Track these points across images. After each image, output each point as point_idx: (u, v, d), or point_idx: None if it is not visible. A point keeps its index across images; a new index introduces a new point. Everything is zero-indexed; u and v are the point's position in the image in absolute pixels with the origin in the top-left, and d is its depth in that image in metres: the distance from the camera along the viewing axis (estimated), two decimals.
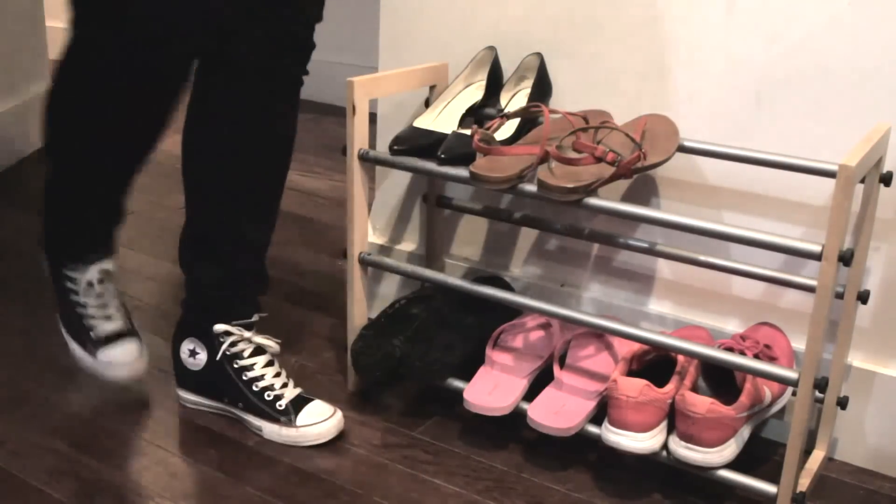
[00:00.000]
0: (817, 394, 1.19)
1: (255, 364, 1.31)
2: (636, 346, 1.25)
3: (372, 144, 1.33)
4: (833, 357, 1.20)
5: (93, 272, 1.34)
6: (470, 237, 1.54)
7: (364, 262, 1.35)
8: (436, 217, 1.49)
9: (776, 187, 1.26)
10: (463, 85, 1.38)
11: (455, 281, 1.31)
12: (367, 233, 1.36)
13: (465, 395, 1.26)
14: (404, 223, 1.59)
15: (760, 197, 1.27)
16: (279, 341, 1.35)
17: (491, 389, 1.27)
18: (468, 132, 1.23)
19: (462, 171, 1.19)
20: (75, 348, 1.36)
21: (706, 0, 1.25)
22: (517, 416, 1.24)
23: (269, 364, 1.32)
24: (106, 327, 1.34)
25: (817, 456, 1.25)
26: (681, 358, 1.23)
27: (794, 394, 1.18)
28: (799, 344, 1.26)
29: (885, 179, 1.14)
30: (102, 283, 1.34)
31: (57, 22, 3.35)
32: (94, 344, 1.34)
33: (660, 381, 1.19)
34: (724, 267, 1.27)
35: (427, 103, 1.42)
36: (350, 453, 1.27)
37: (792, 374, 1.07)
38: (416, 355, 1.30)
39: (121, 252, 1.89)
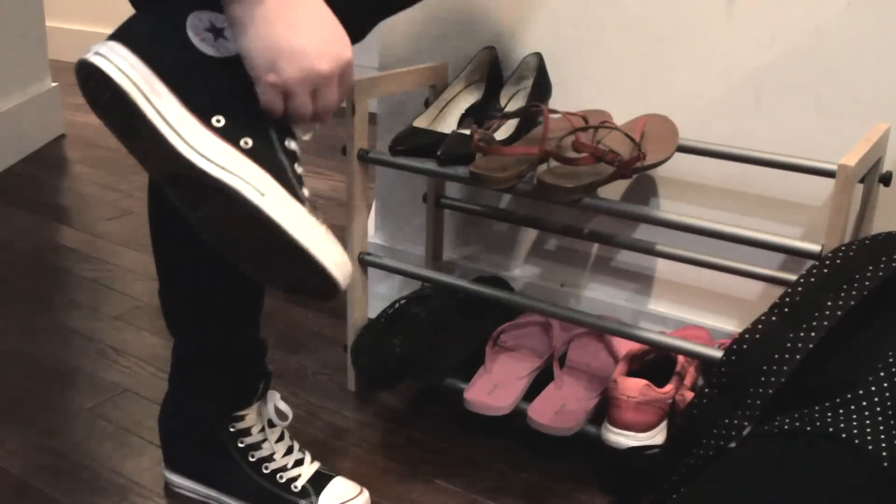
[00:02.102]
0: None
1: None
2: (636, 346, 1.25)
3: (372, 144, 1.33)
4: None
5: (270, 406, 1.14)
6: (470, 237, 1.54)
7: (364, 262, 1.35)
8: (436, 217, 1.49)
9: (776, 187, 1.26)
10: (463, 85, 1.38)
11: (455, 281, 1.31)
12: (367, 233, 1.36)
13: (465, 395, 1.26)
14: (404, 223, 1.59)
15: (760, 197, 1.27)
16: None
17: (491, 389, 1.27)
18: (468, 132, 1.22)
19: (462, 171, 1.19)
20: None
21: (706, 0, 1.25)
22: (517, 415, 1.24)
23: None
24: (305, 470, 1.13)
25: None
26: (681, 358, 1.24)
27: None
28: None
29: (885, 179, 1.14)
30: (280, 417, 1.15)
31: (57, 22, 3.36)
32: (301, 496, 1.11)
33: (660, 381, 1.19)
34: (723, 267, 1.27)
35: (427, 103, 1.42)
36: (350, 453, 1.27)
37: None
38: (416, 355, 1.30)
39: (121, 252, 1.89)
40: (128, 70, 0.83)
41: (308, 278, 0.89)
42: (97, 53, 0.83)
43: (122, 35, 0.85)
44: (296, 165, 0.90)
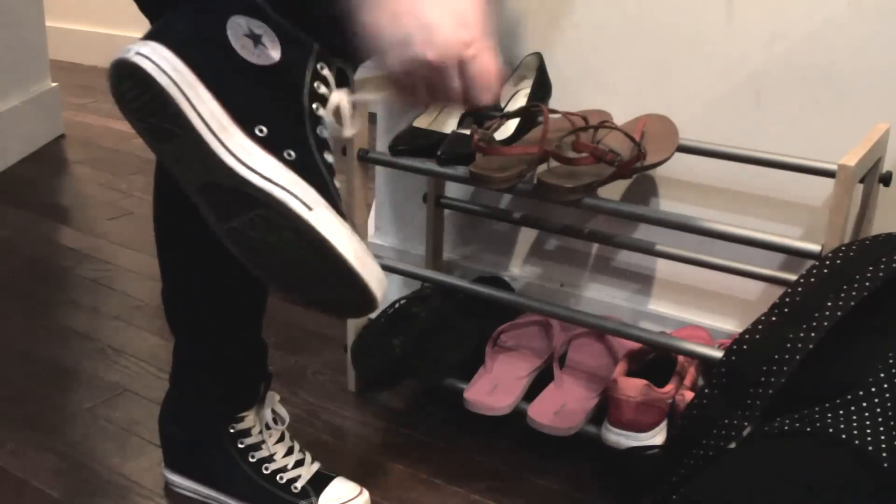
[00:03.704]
0: None
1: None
2: (636, 346, 1.25)
3: (372, 144, 1.32)
4: None
5: (267, 410, 1.14)
6: (470, 237, 1.54)
7: None
8: (436, 217, 1.49)
9: (776, 187, 1.26)
10: None
11: (455, 281, 1.31)
12: (367, 233, 1.36)
13: (465, 395, 1.26)
14: (404, 223, 1.59)
15: (760, 197, 1.27)
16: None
17: (491, 389, 1.27)
18: (468, 132, 1.22)
19: (462, 171, 1.19)
20: None
21: (706, 1, 1.25)
22: (517, 415, 1.24)
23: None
24: (305, 471, 1.13)
25: None
26: (681, 358, 1.23)
27: None
28: None
29: (885, 179, 1.14)
30: (275, 421, 1.15)
31: (57, 22, 3.35)
32: (301, 496, 1.11)
33: (660, 381, 1.19)
34: (724, 267, 1.27)
35: None
36: (350, 453, 1.27)
37: None
38: (416, 355, 1.30)
39: (121, 252, 1.89)
40: (172, 73, 0.79)
41: (346, 294, 0.86)
42: (139, 54, 0.79)
43: (163, 36, 0.81)
44: (334, 179, 0.87)
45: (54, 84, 2.58)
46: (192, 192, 0.86)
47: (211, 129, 0.81)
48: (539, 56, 1.35)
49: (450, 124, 1.32)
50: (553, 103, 1.38)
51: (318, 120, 0.85)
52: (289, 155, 0.83)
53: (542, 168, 1.15)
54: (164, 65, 0.79)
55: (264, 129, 0.82)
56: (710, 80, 1.27)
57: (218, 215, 0.85)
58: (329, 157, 0.87)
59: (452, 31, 0.79)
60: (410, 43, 0.78)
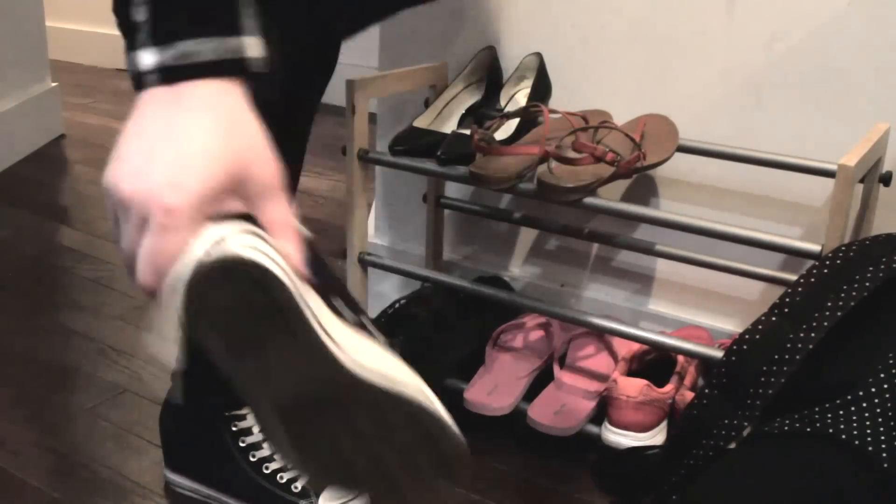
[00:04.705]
0: None
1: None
2: (636, 346, 1.25)
3: (372, 144, 1.32)
4: None
5: None
6: (470, 237, 1.54)
7: (364, 262, 1.35)
8: (436, 217, 1.49)
9: (776, 187, 1.26)
10: (463, 85, 1.38)
11: (455, 281, 1.31)
12: (367, 233, 1.36)
13: (465, 395, 1.26)
14: (404, 223, 1.59)
15: (760, 197, 1.27)
16: None
17: (491, 389, 1.27)
18: (468, 132, 1.22)
19: (462, 171, 1.19)
20: None
21: (706, 1, 1.25)
22: (517, 415, 1.24)
23: None
24: None
25: None
26: (681, 358, 1.23)
27: None
28: None
29: (885, 179, 1.14)
30: None
31: (57, 22, 3.36)
32: (301, 496, 1.10)
33: (660, 381, 1.19)
34: (724, 267, 1.27)
35: (427, 103, 1.42)
36: None
37: None
38: (416, 355, 1.30)
39: None
40: (285, 271, 0.63)
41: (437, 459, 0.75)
42: (253, 248, 0.63)
43: None
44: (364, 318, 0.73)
45: (54, 84, 2.58)
46: (284, 407, 0.67)
47: (323, 327, 0.65)
48: (539, 56, 1.35)
49: (450, 124, 1.32)
50: (553, 103, 1.38)
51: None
52: (388, 340, 0.70)
53: (542, 168, 1.15)
54: (273, 260, 0.63)
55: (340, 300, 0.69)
56: (710, 81, 1.27)
57: (301, 426, 0.67)
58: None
59: (148, 180, 0.63)
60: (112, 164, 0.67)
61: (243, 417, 1.12)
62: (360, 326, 0.69)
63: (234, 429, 1.12)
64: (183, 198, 0.61)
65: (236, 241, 0.63)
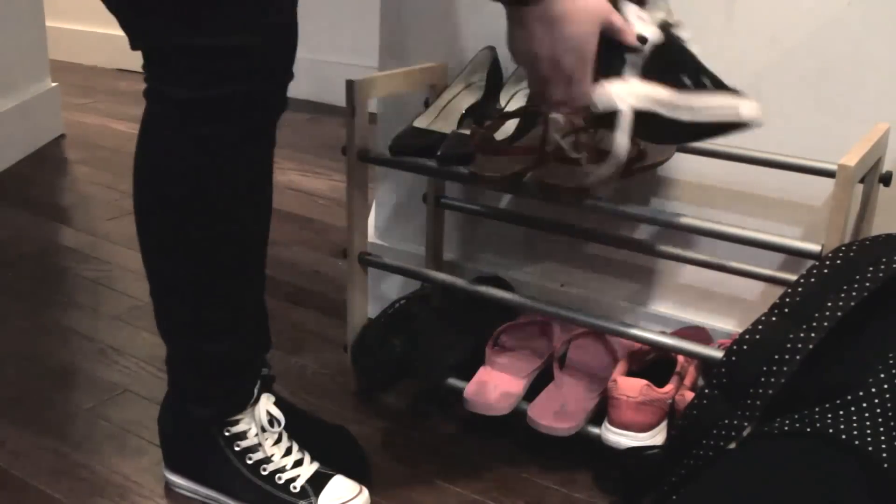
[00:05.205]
0: None
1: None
2: (636, 346, 1.25)
3: (372, 145, 1.33)
4: None
5: (261, 410, 1.13)
6: (470, 237, 1.54)
7: (364, 262, 1.35)
8: (436, 217, 1.49)
9: (776, 187, 1.26)
10: (462, 85, 1.38)
11: (455, 281, 1.31)
12: (367, 233, 1.36)
13: (466, 395, 1.26)
14: (404, 223, 1.59)
15: (760, 197, 1.27)
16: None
17: (491, 389, 1.27)
18: (468, 132, 1.22)
19: (462, 171, 1.19)
20: None
21: (706, 1, 1.25)
22: (517, 415, 1.24)
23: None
24: (304, 471, 1.13)
25: None
26: (681, 358, 1.23)
27: None
28: None
29: (885, 179, 1.14)
30: (272, 422, 1.14)
31: (57, 22, 3.36)
32: (300, 496, 1.11)
33: (660, 381, 1.19)
34: (724, 267, 1.27)
35: (427, 103, 1.42)
36: None
37: None
38: (416, 355, 1.30)
39: (121, 252, 1.89)
40: None
41: None
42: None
43: None
44: None
45: (54, 84, 2.58)
46: None
47: None
48: None
49: (450, 124, 1.32)
50: None
51: None
52: None
53: (541, 168, 1.15)
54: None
55: None
56: None
57: None
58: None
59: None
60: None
61: (236, 423, 1.12)
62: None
63: (227, 434, 1.12)
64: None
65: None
